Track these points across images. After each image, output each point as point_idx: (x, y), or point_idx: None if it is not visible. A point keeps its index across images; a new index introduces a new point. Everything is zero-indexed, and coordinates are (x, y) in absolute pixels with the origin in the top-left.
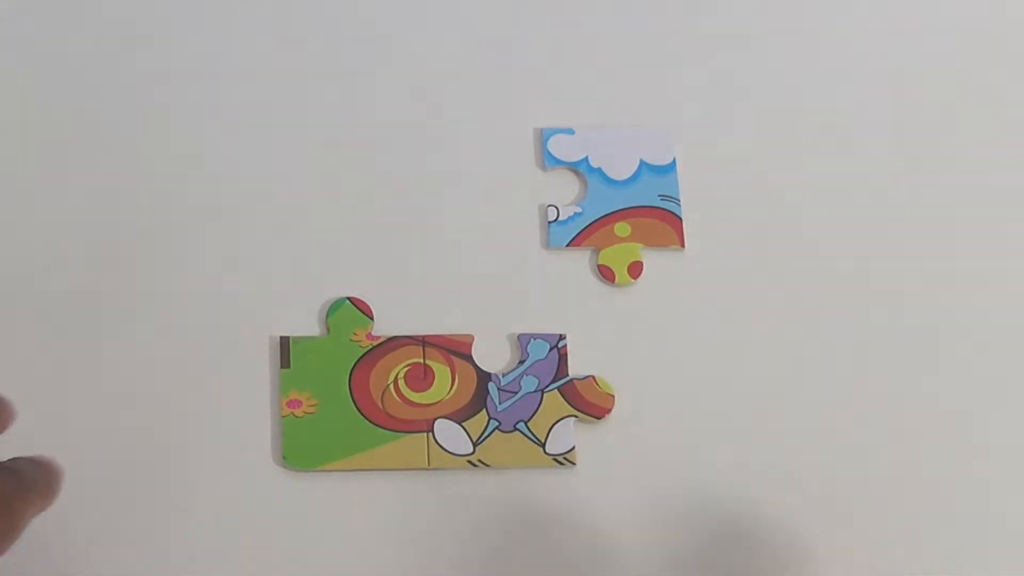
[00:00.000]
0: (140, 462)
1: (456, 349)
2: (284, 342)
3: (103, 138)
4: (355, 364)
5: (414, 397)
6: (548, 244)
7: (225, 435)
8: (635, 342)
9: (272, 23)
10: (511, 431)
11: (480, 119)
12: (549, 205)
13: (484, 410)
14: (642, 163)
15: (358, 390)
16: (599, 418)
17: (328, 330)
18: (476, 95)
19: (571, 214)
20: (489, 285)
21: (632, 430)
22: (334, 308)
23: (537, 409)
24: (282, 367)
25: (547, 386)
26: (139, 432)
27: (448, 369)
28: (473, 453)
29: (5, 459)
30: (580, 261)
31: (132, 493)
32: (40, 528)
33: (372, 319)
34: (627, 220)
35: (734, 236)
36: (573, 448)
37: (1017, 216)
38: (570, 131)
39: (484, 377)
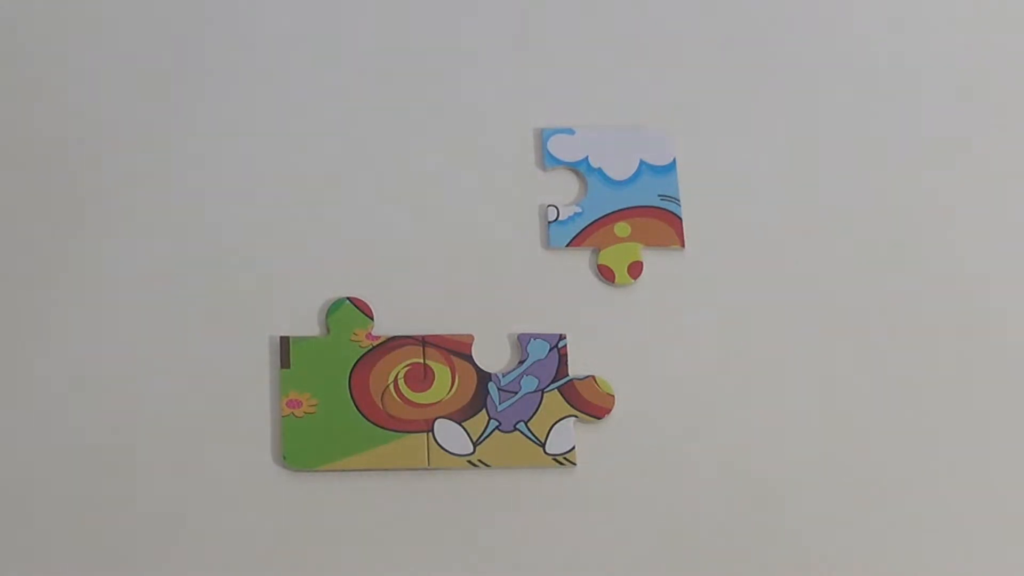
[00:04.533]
0: (141, 462)
1: (456, 349)
2: (284, 342)
3: (104, 135)
4: (355, 364)
5: (414, 397)
6: (548, 244)
7: (225, 435)
8: (635, 342)
9: (273, 23)
10: (511, 431)
11: (480, 119)
12: (549, 205)
13: (484, 410)
14: (642, 163)
15: (358, 390)
16: (599, 418)
17: (328, 330)
18: (476, 95)
19: (571, 214)
20: (489, 285)
21: (632, 430)
22: (334, 308)
23: (537, 409)
24: (282, 367)
25: (547, 386)
26: (140, 432)
27: (448, 369)
28: (473, 453)
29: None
30: (580, 261)
31: (133, 492)
32: (40, 527)
33: (372, 319)
34: (627, 220)
35: (734, 236)
36: (573, 448)
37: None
38: (570, 131)
39: (484, 377)
